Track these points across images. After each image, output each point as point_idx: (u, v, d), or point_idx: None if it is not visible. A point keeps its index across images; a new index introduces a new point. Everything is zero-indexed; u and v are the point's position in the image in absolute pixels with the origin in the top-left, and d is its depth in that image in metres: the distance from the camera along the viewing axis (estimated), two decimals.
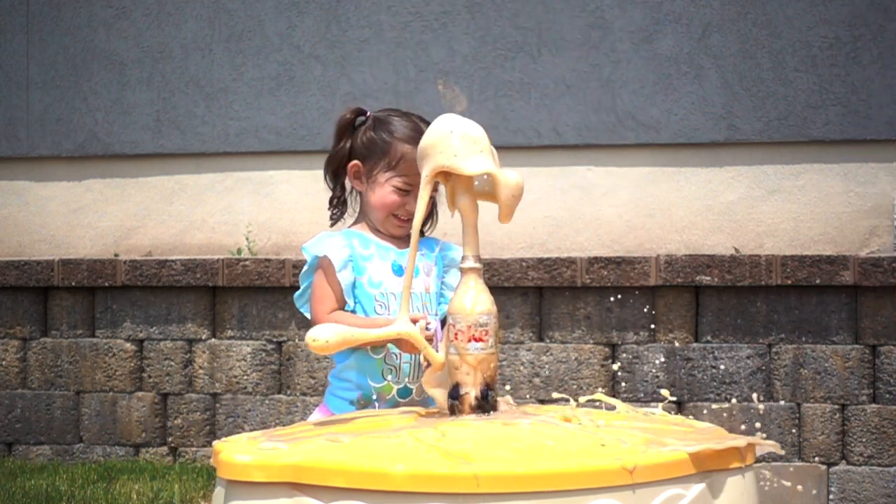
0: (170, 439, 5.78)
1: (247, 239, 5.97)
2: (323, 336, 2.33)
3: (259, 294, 5.68)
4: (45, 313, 5.93)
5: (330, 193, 3.12)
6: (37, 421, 5.91)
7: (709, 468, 2.13)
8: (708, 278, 5.25)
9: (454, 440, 2.10)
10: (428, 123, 2.63)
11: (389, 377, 2.91)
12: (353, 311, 2.92)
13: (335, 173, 3.07)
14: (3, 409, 5.94)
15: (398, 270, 2.95)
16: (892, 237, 5.40)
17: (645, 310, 5.33)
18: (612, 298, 5.35)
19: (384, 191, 2.99)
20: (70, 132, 6.19)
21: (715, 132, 5.58)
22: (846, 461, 5.16)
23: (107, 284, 5.80)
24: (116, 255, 6.08)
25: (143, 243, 6.12)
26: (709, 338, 5.29)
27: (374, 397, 2.89)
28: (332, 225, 3.12)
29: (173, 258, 5.78)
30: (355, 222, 3.08)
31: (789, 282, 5.18)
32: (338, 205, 3.09)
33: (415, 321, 2.52)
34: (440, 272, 3.03)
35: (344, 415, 2.69)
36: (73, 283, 5.83)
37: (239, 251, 5.94)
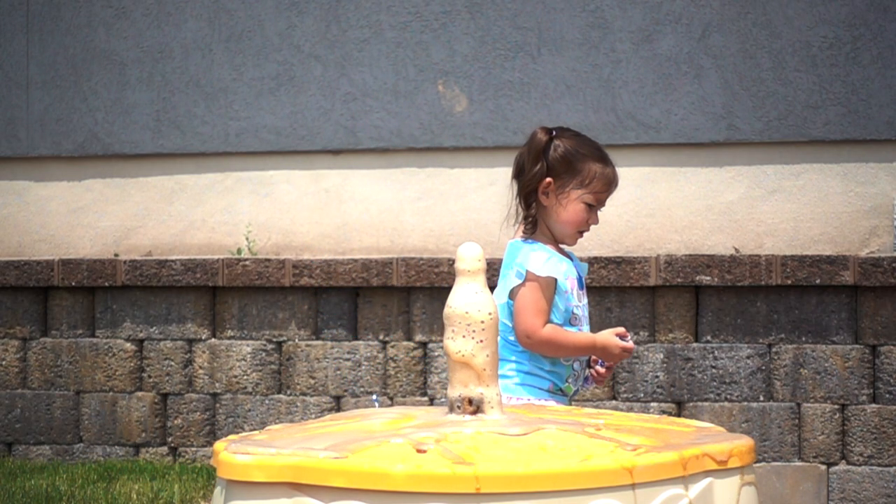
0: (170, 439, 5.78)
1: (247, 239, 5.97)
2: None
3: (259, 294, 5.69)
4: (45, 313, 5.93)
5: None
6: (37, 421, 5.91)
7: (708, 468, 2.13)
8: (708, 278, 5.25)
9: (454, 440, 2.10)
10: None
11: (570, 380, 3.25)
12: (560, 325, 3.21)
13: (529, 193, 3.25)
14: (3, 409, 5.94)
15: (581, 284, 3.28)
16: (892, 237, 5.40)
17: (645, 310, 5.33)
18: (611, 298, 5.35)
19: (577, 207, 3.23)
20: (70, 132, 6.19)
21: (715, 132, 5.58)
22: (846, 461, 5.16)
23: (107, 284, 5.80)
24: (116, 255, 6.08)
25: (143, 243, 6.12)
26: (709, 338, 5.29)
27: (563, 385, 3.25)
28: (520, 237, 3.31)
29: (173, 258, 5.78)
30: (532, 235, 3.26)
31: (789, 282, 5.18)
32: (532, 222, 3.27)
33: (619, 335, 3.18)
34: None
35: (352, 413, 2.69)
36: (73, 283, 5.83)
37: (239, 251, 5.95)
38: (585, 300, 3.31)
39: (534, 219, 3.25)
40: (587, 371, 3.31)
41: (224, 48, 6.04)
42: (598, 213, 3.29)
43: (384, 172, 5.89)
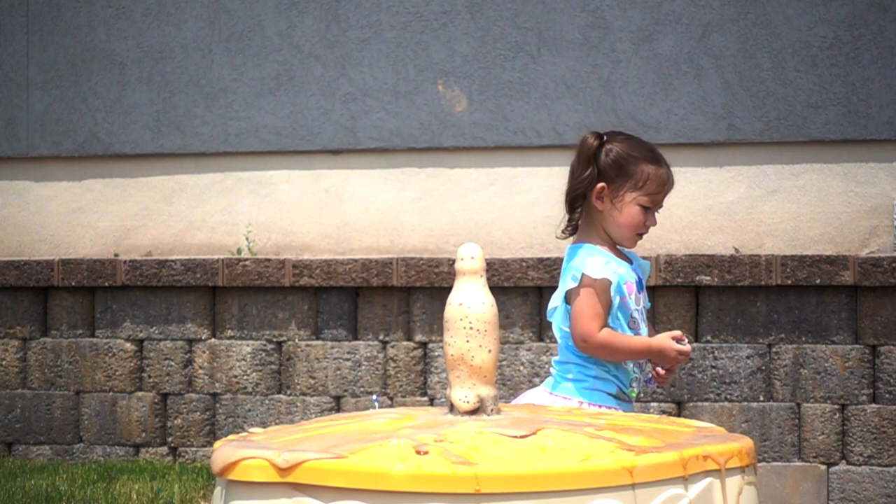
0: (170, 439, 5.78)
1: (247, 239, 5.97)
2: None
3: (259, 294, 5.68)
4: (45, 313, 5.93)
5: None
6: (37, 421, 5.91)
7: (708, 468, 2.13)
8: (708, 278, 5.25)
9: (454, 440, 2.10)
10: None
11: (634, 384, 3.27)
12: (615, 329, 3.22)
13: (577, 197, 3.28)
14: (3, 409, 5.94)
15: (640, 286, 3.30)
16: (892, 237, 5.40)
17: None
18: None
19: (632, 210, 3.23)
20: (70, 132, 6.19)
21: (715, 132, 5.58)
22: (846, 461, 5.16)
23: (107, 284, 5.80)
24: (116, 255, 6.08)
25: (143, 243, 6.12)
26: (709, 338, 5.29)
27: (627, 389, 3.26)
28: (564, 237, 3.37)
29: (173, 258, 5.78)
30: (584, 238, 3.27)
31: (789, 282, 5.18)
32: (574, 226, 3.31)
33: (676, 338, 3.17)
34: None
35: (352, 413, 2.69)
36: (73, 283, 5.83)
37: (239, 251, 5.95)
38: (644, 302, 3.31)
39: (576, 223, 3.27)
40: (650, 371, 3.31)
41: (224, 48, 6.04)
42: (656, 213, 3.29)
43: (384, 172, 5.89)
